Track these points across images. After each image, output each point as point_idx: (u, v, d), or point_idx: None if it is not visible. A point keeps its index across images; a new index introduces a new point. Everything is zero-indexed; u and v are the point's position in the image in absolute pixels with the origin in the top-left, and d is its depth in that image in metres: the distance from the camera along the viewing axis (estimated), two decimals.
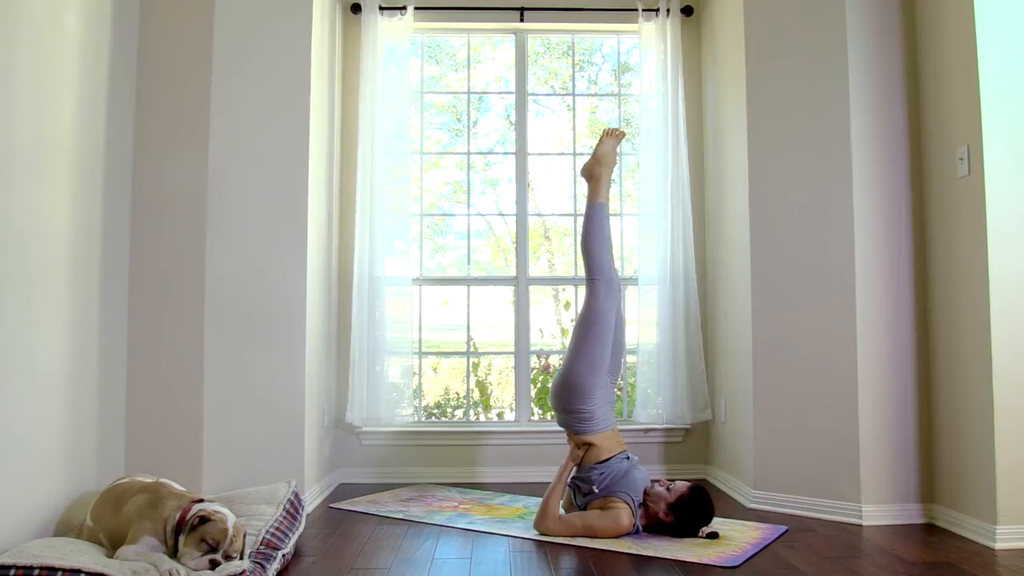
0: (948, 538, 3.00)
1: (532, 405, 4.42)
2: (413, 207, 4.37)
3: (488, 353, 4.86)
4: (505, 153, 4.72)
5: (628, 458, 3.16)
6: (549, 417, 4.43)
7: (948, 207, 3.18)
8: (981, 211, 2.94)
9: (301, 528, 2.89)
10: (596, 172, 3.41)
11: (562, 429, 3.30)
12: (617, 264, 4.47)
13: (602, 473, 3.10)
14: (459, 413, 4.74)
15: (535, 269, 4.42)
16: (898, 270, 3.36)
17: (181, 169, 3.28)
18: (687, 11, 4.39)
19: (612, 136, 3.46)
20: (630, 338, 4.13)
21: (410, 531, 3.15)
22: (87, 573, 2.07)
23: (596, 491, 3.07)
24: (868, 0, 3.41)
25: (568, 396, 3.19)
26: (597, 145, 3.46)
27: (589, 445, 3.15)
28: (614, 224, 4.72)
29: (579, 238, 3.41)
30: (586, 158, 3.41)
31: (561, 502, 3.18)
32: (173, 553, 2.32)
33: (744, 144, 3.68)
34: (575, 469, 3.19)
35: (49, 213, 2.62)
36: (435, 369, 5.21)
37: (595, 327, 3.23)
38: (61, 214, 2.70)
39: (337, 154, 4.21)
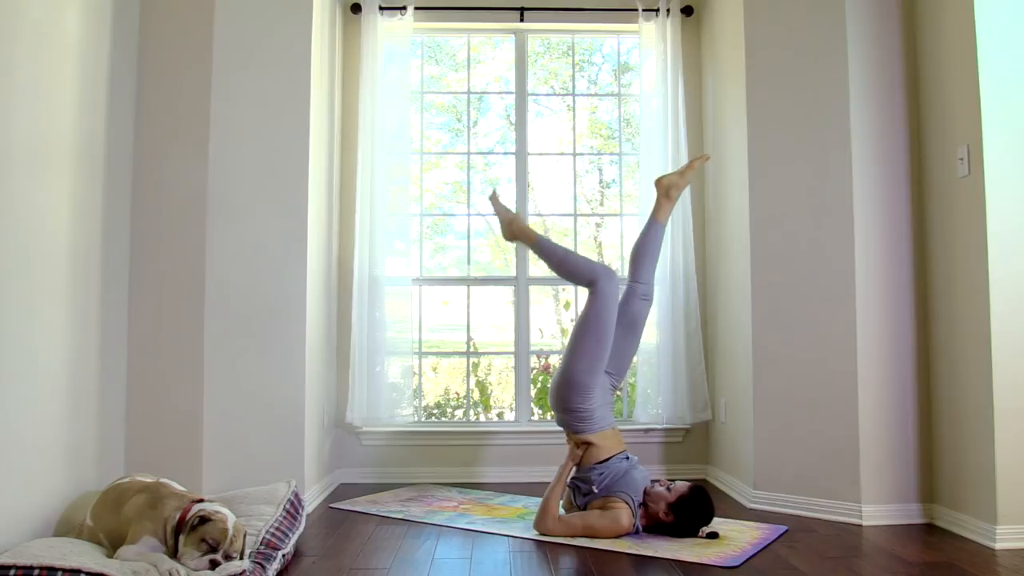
0: (948, 538, 3.00)
1: (532, 405, 4.42)
2: (413, 207, 4.37)
3: (488, 353, 4.86)
4: (505, 153, 4.72)
5: (628, 458, 3.16)
6: (549, 417, 4.43)
7: (948, 207, 3.18)
8: (981, 211, 2.94)
9: (301, 528, 2.89)
10: (672, 193, 3.42)
11: (561, 429, 3.30)
12: (616, 264, 4.50)
13: (602, 473, 3.10)
14: (459, 413, 4.74)
15: (535, 269, 4.41)
16: (898, 270, 3.36)
17: (181, 169, 3.28)
18: (687, 11, 4.39)
19: (702, 160, 3.52)
20: None
21: (410, 531, 3.15)
22: (87, 573, 2.07)
23: (596, 491, 3.07)
24: (868, 0, 3.42)
25: (566, 394, 3.19)
26: (686, 168, 3.46)
27: (588, 444, 3.15)
28: (614, 224, 4.74)
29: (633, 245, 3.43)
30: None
31: (561, 502, 3.18)
32: (173, 553, 2.32)
33: (744, 144, 3.67)
34: (575, 469, 3.19)
35: (49, 213, 2.62)
36: (435, 369, 5.21)
37: (596, 325, 3.23)
38: (61, 214, 2.69)
39: (337, 154, 4.20)
